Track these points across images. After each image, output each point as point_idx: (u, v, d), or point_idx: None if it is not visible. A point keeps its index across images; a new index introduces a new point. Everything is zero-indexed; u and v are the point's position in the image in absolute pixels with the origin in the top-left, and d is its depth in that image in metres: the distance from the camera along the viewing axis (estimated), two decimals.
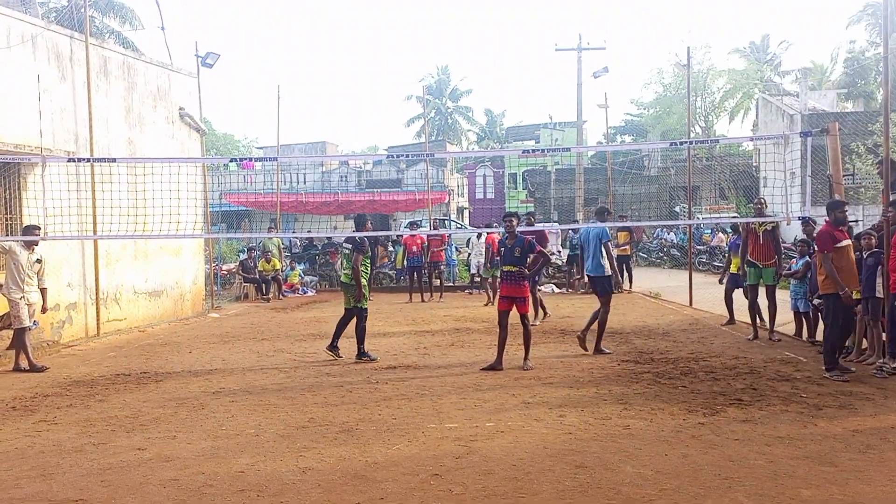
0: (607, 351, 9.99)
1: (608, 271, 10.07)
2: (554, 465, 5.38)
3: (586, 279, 10.58)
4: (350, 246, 10.09)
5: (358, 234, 10.14)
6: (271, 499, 4.85)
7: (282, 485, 5.09)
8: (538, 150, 17.58)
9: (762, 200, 11.23)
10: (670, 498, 4.68)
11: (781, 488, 4.79)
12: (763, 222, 10.74)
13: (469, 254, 21.11)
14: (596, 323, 10.08)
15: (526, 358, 9.16)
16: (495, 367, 9.03)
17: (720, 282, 12.93)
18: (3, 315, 10.01)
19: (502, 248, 9.37)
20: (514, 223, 9.37)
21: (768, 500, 4.62)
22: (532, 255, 9.34)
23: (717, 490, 4.79)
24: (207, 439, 6.26)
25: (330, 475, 5.28)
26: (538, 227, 10.64)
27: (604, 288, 10.11)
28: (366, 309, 10.06)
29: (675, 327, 12.26)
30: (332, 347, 10.09)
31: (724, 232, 24.52)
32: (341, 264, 10.90)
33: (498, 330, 9.29)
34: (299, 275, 21.46)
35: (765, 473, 5.07)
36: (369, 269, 10.25)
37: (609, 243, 10.15)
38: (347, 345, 10.19)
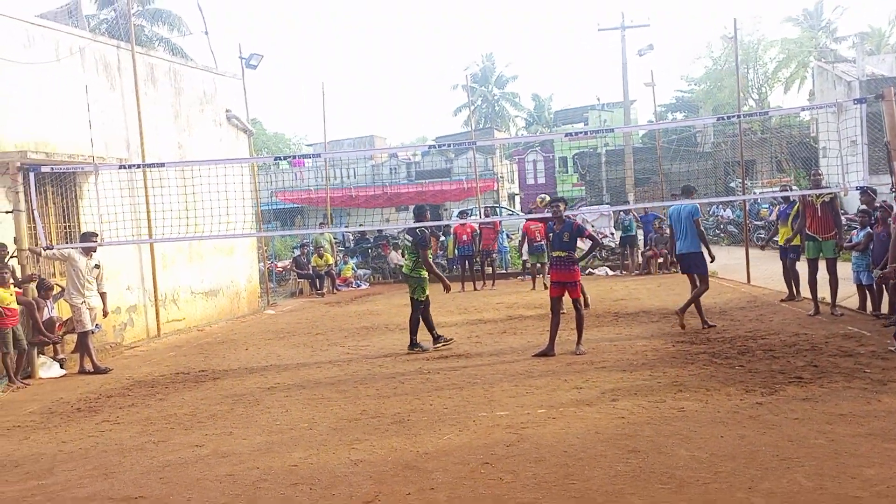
0: (711, 324, 9.96)
1: (701, 247, 10.05)
2: (606, 450, 5.30)
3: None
4: (412, 238, 10.09)
5: (419, 226, 10.10)
6: (323, 491, 4.90)
7: (334, 477, 5.14)
8: (581, 133, 17.32)
9: (819, 172, 10.91)
10: (725, 481, 4.57)
11: (843, 467, 4.64)
12: (820, 194, 10.40)
13: (519, 240, 20.99)
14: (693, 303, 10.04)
15: (579, 342, 9.07)
16: (547, 353, 8.96)
17: (762, 248, 12.90)
18: (67, 320, 10.35)
19: (550, 234, 9.27)
20: (562, 208, 9.27)
21: (829, 479, 4.47)
22: (582, 239, 9.24)
23: (776, 471, 4.66)
24: (262, 434, 6.36)
25: (381, 466, 5.30)
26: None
27: (700, 264, 10.07)
28: (422, 301, 10.01)
29: (732, 305, 11.99)
30: (413, 345, 9.97)
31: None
32: (402, 255, 10.88)
33: (550, 315, 9.22)
34: (352, 268, 21.64)
35: (825, 453, 4.91)
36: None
37: (699, 219, 10.12)
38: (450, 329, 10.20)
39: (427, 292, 10.08)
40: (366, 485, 4.97)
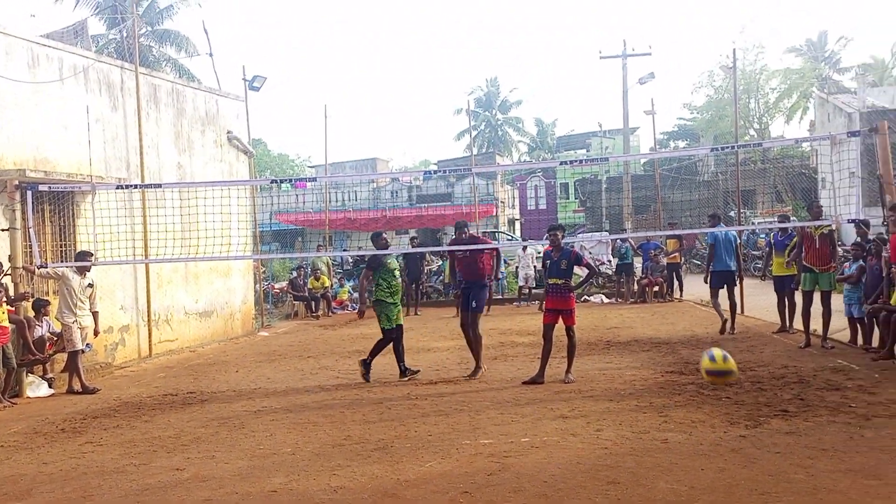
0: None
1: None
2: (586, 481, 5.29)
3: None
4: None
5: (379, 252, 10.07)
6: None
7: None
8: (577, 161, 17.44)
9: (820, 205, 10.98)
10: None
11: (820, 503, 4.62)
12: (819, 226, 10.44)
13: (517, 266, 21.02)
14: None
15: (568, 371, 9.07)
16: (536, 380, 8.95)
17: (762, 279, 12.78)
18: (58, 339, 10.36)
19: (548, 261, 9.33)
20: (560, 236, 9.32)
21: None
22: (580, 267, 9.31)
23: None
24: (244, 458, 6.35)
25: (360, 494, 5.29)
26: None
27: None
28: (390, 329, 9.84)
29: (724, 336, 11.97)
30: (403, 372, 9.89)
31: None
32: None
33: (542, 342, 9.22)
34: (348, 291, 21.66)
35: (804, 488, 4.89)
36: (398, 284, 10.08)
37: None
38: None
39: (394, 320, 9.89)
40: None
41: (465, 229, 10.06)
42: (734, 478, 5.16)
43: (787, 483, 5.00)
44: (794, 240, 11.30)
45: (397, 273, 10.14)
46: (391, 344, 9.94)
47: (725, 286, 12.37)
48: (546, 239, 9.47)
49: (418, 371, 9.98)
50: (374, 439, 6.75)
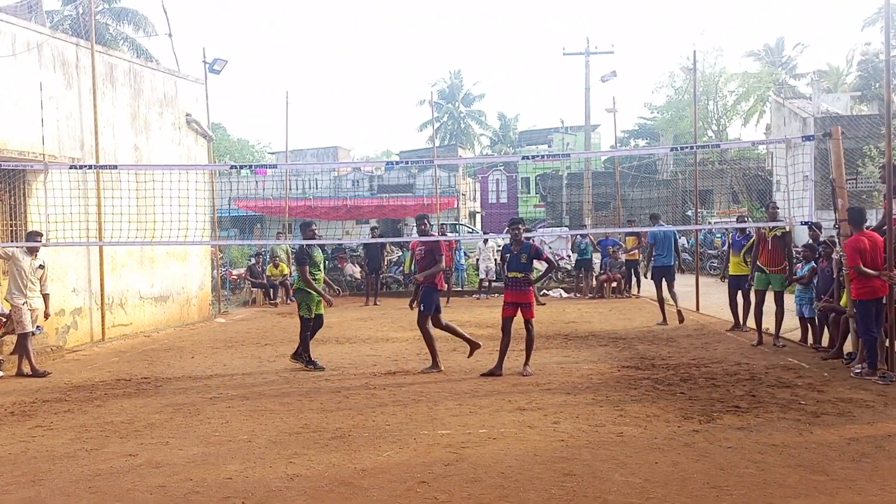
0: None
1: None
2: (542, 472, 5.34)
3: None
4: (295, 254, 9.98)
5: (306, 242, 9.98)
6: None
7: (268, 492, 5.08)
8: (539, 156, 17.53)
9: (777, 206, 11.15)
10: None
11: (770, 498, 4.73)
12: (773, 228, 10.65)
13: (477, 259, 21.10)
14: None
15: (526, 363, 9.14)
16: (495, 372, 9.00)
17: (721, 279, 12.91)
18: (6, 321, 10.09)
19: (507, 255, 9.37)
20: (521, 230, 9.36)
21: None
22: (539, 261, 9.33)
23: (705, 499, 4.74)
24: (199, 445, 6.27)
25: (317, 482, 5.26)
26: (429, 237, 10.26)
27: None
28: (308, 318, 9.82)
29: (679, 333, 12.17)
30: (308, 362, 9.82)
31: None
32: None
33: (501, 335, 9.27)
34: None
35: (754, 482, 5.00)
36: (321, 277, 10.00)
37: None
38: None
39: (314, 310, 9.86)
40: (299, 500, 4.93)
41: (425, 221, 9.92)
42: (687, 471, 5.26)
43: (739, 477, 5.11)
44: (752, 240, 11.52)
45: (322, 265, 10.03)
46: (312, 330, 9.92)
47: (664, 279, 13.45)
48: (506, 233, 9.50)
49: (324, 369, 9.74)
50: (331, 428, 6.71)
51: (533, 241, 10.09)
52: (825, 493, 4.78)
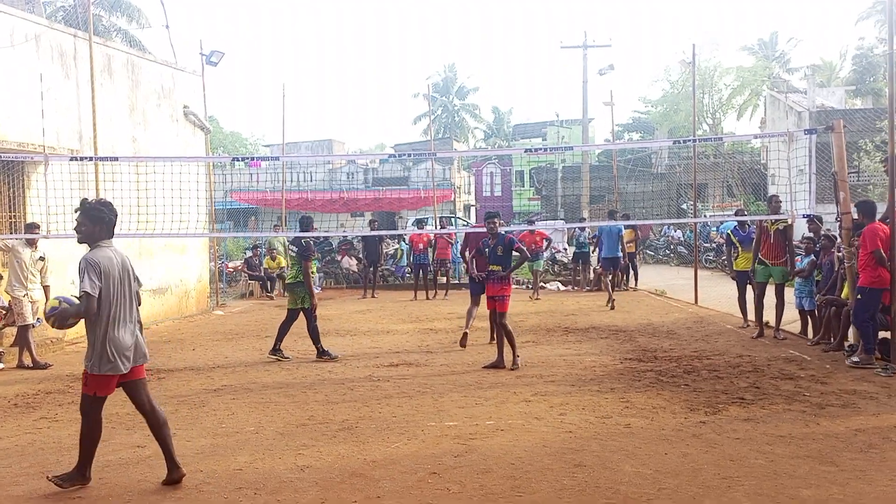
0: None
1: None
2: (553, 463, 5.35)
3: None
4: (296, 249, 10.01)
5: (304, 236, 10.02)
6: (268, 497, 4.84)
7: (279, 482, 5.09)
8: (541, 149, 17.55)
9: (780, 199, 11.03)
10: (669, 497, 4.65)
11: (781, 488, 4.76)
12: (775, 221, 10.64)
13: None
14: None
15: (515, 356, 9.00)
16: (497, 365, 9.01)
17: (733, 278, 12.25)
18: (6, 313, 10.05)
19: (486, 249, 9.38)
20: (496, 224, 9.36)
21: (767, 499, 4.59)
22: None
23: (717, 490, 4.76)
24: (207, 437, 6.26)
25: (328, 473, 5.26)
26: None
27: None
28: (306, 309, 9.91)
29: (679, 325, 12.20)
30: (276, 350, 9.94)
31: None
32: (289, 266, 10.78)
33: (490, 328, 9.27)
34: None
35: (764, 473, 5.03)
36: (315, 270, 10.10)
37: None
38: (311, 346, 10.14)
39: (299, 303, 9.98)
40: (311, 491, 4.93)
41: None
42: (697, 462, 5.28)
43: (749, 468, 5.14)
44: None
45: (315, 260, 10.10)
46: (296, 326, 10.00)
47: (612, 268, 16.18)
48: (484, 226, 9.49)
49: (289, 358, 9.89)
50: (338, 419, 6.72)
51: (509, 233, 10.05)
52: (836, 484, 4.81)
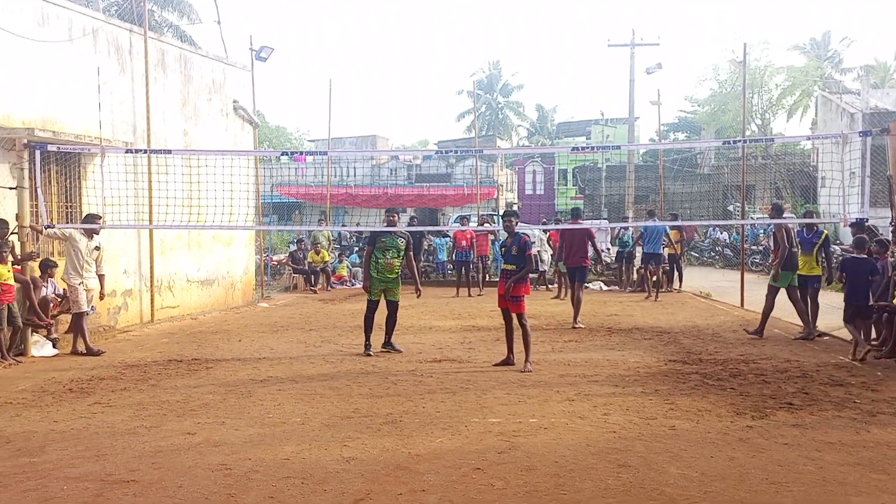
0: None
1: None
2: (597, 463, 5.35)
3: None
4: (405, 241, 10.12)
5: (387, 230, 10.13)
6: (315, 486, 4.92)
7: (325, 473, 5.17)
8: (588, 148, 17.47)
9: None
10: (714, 500, 4.62)
11: (830, 495, 4.69)
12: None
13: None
14: None
15: (527, 360, 8.85)
16: (507, 362, 9.03)
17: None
18: (62, 300, 10.34)
19: (503, 248, 9.38)
20: (514, 222, 9.32)
21: None
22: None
23: (764, 494, 4.71)
24: (254, 426, 6.38)
25: (373, 465, 5.33)
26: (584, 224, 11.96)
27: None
28: (371, 301, 10.08)
29: (724, 328, 12.05)
30: (387, 343, 10.16)
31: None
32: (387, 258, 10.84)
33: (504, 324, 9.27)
34: (348, 267, 21.66)
35: (814, 479, 4.96)
36: (385, 262, 10.01)
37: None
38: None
39: (374, 294, 10.15)
40: (357, 482, 5.00)
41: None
42: (744, 466, 5.23)
43: (797, 474, 5.07)
44: (824, 235, 11.09)
45: (388, 252, 10.03)
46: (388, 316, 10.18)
47: (653, 264, 16.64)
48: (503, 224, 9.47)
49: (400, 351, 10.08)
50: (382, 413, 6.79)
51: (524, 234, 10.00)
52: (887, 493, 4.73)
